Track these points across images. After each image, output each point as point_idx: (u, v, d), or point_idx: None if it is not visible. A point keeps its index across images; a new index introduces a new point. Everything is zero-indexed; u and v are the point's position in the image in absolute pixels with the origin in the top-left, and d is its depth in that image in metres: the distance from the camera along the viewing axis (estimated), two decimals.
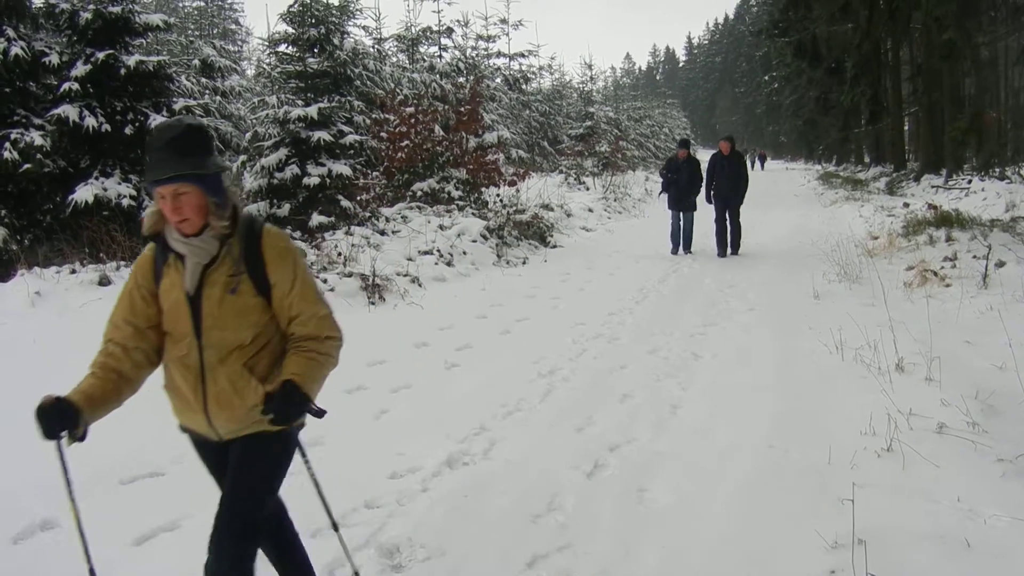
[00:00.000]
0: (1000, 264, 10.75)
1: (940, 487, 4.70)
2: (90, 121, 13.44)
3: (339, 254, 12.38)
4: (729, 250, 16.26)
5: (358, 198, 16.94)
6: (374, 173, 19.30)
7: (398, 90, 22.11)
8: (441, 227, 15.50)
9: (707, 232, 16.87)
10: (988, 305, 9.10)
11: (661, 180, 17.74)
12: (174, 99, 15.59)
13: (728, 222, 16.26)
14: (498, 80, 38.01)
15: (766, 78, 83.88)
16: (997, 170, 23.97)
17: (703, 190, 16.71)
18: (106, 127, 13.68)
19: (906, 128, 40.61)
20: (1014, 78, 31.08)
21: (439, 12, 33.10)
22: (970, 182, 22.61)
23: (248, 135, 18.99)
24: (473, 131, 21.12)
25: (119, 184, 13.54)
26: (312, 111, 15.93)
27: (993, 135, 23.64)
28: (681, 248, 16.82)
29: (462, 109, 21.15)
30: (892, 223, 17.49)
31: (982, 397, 6.04)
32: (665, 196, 17.48)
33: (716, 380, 7.38)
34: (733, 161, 16.38)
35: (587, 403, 6.76)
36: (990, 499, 4.51)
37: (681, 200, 16.70)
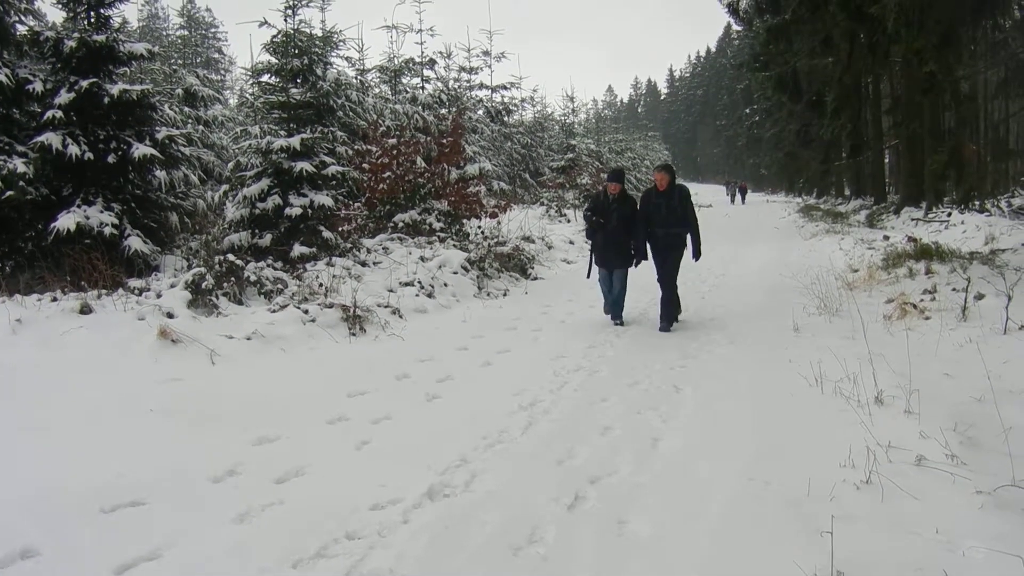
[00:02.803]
0: (979, 297, 10.81)
1: (919, 519, 4.71)
2: (73, 149, 13.40)
3: (320, 285, 12.41)
4: (660, 322, 11.97)
5: (340, 229, 16.97)
6: (356, 204, 19.36)
7: (380, 121, 22.24)
8: (422, 259, 15.55)
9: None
10: (967, 337, 9.14)
11: (584, 226, 13.48)
12: (157, 128, 15.58)
13: (664, 282, 12.05)
14: (480, 112, 38.24)
15: (747, 111, 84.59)
16: (977, 203, 24.15)
17: (641, 241, 12.30)
18: (89, 155, 13.64)
19: (886, 161, 40.95)
20: (993, 111, 31.42)
21: (422, 44, 33.30)
22: (950, 215, 22.79)
23: (230, 165, 19.05)
24: (455, 163, 21.24)
25: (101, 212, 13.49)
26: (295, 141, 15.96)
27: (973, 168, 23.82)
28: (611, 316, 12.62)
29: (444, 141, 21.26)
30: (872, 256, 17.57)
31: (961, 429, 6.07)
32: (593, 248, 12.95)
33: (696, 413, 7.40)
34: (673, 199, 11.88)
35: (568, 435, 6.76)
36: (968, 531, 4.52)
37: (610, 253, 12.37)
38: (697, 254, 12.17)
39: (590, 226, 12.68)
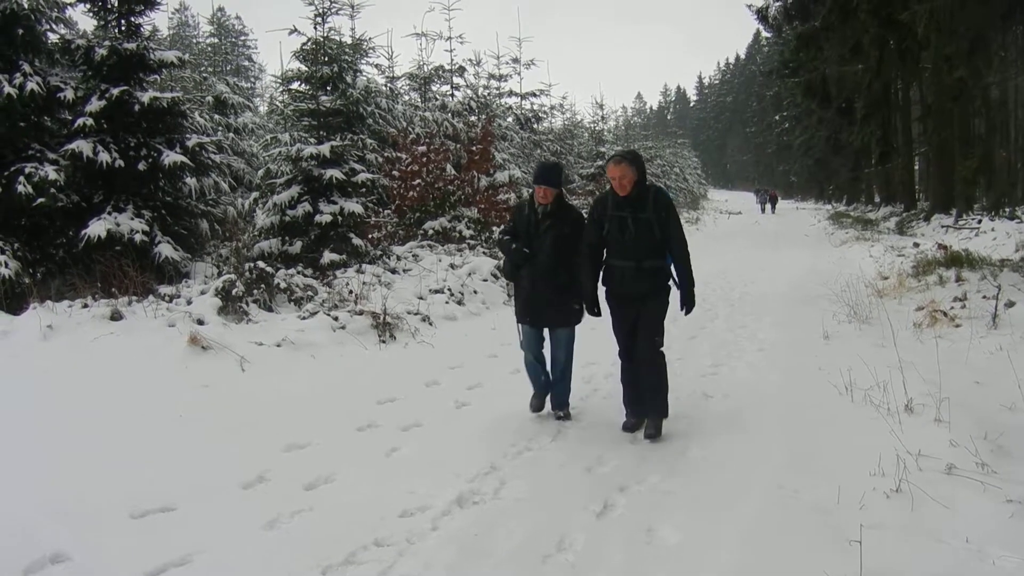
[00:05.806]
0: (1010, 304, 10.74)
1: (949, 528, 4.69)
2: (104, 156, 13.46)
3: (350, 292, 12.42)
4: (645, 426, 7.03)
5: (370, 236, 17.01)
6: (386, 211, 19.40)
7: (410, 128, 22.22)
8: (452, 266, 15.55)
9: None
10: (998, 345, 9.09)
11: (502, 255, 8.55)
12: (187, 135, 15.62)
13: (638, 354, 7.26)
14: (510, 119, 38.15)
15: (777, 118, 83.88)
16: (1007, 210, 23.99)
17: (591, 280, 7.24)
18: (120, 162, 13.70)
19: (916, 168, 40.70)
20: None
21: (451, 51, 33.35)
22: (980, 222, 22.64)
23: (260, 172, 19.04)
24: (484, 170, 21.25)
25: (132, 219, 13.53)
26: (324, 149, 16.00)
27: (1003, 175, 23.68)
28: (548, 401, 7.83)
29: (474, 148, 21.27)
30: (902, 263, 17.47)
31: (991, 438, 6.03)
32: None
33: (726, 420, 7.38)
34: (646, 211, 6.79)
35: (597, 443, 6.77)
36: (999, 540, 4.50)
37: (540, 301, 7.48)
38: (687, 302, 7.04)
39: (508, 257, 7.71)
